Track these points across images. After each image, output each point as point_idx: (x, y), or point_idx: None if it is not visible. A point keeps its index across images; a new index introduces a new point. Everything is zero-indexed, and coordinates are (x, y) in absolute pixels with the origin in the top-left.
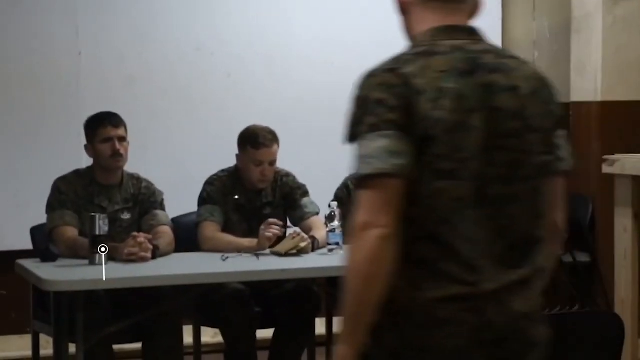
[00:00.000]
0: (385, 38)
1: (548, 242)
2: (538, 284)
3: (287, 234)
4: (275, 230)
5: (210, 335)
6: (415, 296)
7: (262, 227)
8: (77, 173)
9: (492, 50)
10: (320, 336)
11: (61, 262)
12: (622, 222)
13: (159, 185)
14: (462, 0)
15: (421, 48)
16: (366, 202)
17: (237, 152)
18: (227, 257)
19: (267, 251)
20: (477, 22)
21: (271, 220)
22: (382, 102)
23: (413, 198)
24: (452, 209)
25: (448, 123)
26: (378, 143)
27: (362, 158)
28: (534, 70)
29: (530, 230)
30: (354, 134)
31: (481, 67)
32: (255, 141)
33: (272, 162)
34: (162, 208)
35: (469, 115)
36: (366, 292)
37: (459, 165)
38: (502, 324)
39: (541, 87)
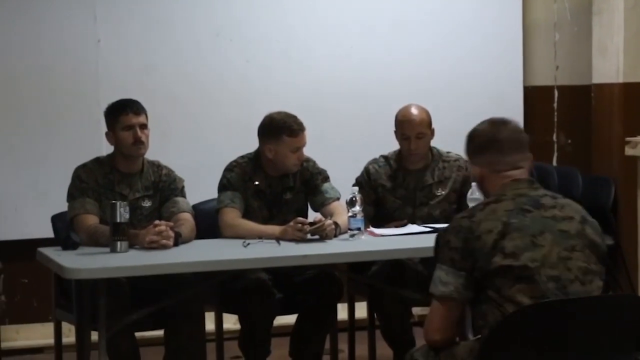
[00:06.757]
0: (404, 21)
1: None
2: None
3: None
4: (302, 234)
5: (232, 322)
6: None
7: (292, 223)
8: (97, 161)
9: (548, 194)
10: (342, 321)
11: (82, 250)
12: None
13: (179, 172)
14: (521, 166)
15: (492, 198)
16: (430, 311)
17: (256, 138)
18: (248, 244)
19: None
20: (499, 5)
21: (299, 219)
22: (448, 243)
23: (486, 301)
24: (529, 301)
25: (518, 245)
26: (438, 272)
27: (432, 279)
28: (578, 206)
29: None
30: (435, 260)
31: (542, 205)
32: (291, 129)
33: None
34: (183, 195)
35: (536, 238)
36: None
37: (533, 271)
38: None
39: (586, 215)
